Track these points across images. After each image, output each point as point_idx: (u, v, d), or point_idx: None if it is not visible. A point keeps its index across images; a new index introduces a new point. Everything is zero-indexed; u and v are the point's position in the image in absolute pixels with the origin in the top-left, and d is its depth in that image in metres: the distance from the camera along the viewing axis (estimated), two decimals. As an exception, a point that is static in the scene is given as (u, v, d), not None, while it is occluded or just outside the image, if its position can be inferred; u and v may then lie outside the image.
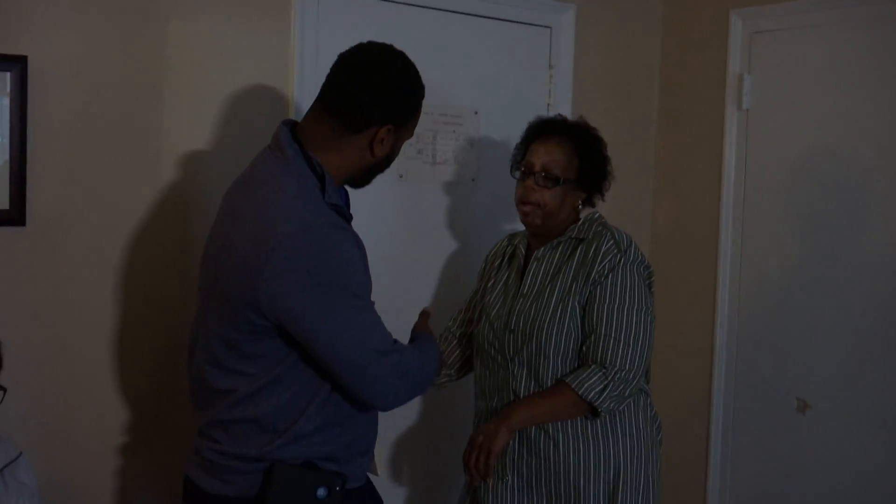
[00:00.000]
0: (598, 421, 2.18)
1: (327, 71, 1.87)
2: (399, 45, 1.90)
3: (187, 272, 2.40)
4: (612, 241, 2.20)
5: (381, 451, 2.47)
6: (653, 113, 3.44)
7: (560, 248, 2.27)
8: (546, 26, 3.12)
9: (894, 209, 2.73)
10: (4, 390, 1.81)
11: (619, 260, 2.17)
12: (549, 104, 3.11)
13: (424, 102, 1.92)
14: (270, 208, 1.73)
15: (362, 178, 1.92)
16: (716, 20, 3.20)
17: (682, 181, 3.35)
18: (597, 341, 2.14)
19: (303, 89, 2.58)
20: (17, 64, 2.17)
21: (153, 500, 2.46)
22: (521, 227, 2.40)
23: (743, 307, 3.16)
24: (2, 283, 2.23)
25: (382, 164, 1.91)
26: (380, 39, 1.90)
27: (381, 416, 1.98)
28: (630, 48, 3.36)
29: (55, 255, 2.29)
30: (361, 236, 1.82)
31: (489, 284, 2.41)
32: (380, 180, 1.97)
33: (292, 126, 1.86)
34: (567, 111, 3.06)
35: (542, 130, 2.31)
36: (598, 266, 2.17)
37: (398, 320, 2.08)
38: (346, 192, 1.94)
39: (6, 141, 2.18)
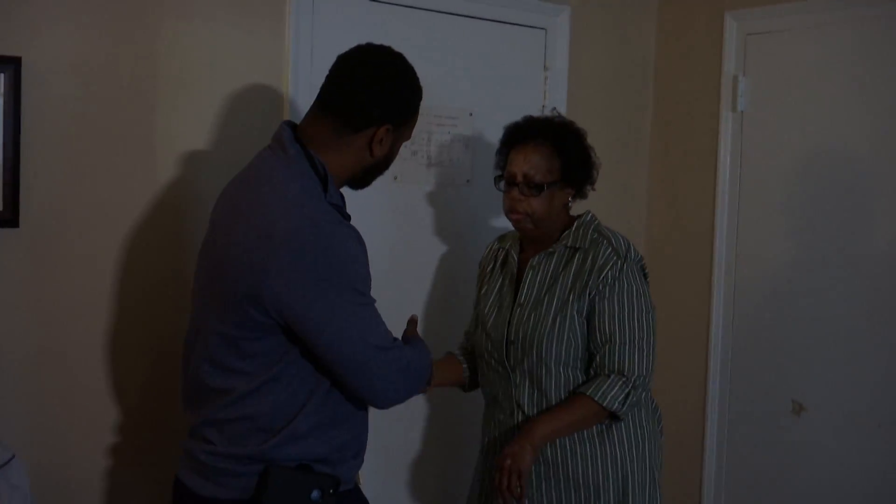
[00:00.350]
0: (604, 424, 2.19)
1: (322, 71, 1.88)
2: (394, 47, 1.91)
3: (181, 273, 2.39)
4: (610, 249, 2.19)
5: (378, 459, 2.47)
6: (647, 114, 3.44)
7: (556, 255, 2.26)
8: (541, 28, 3.12)
9: (889, 211, 2.73)
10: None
11: (622, 266, 2.16)
12: (543, 106, 3.11)
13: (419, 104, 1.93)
14: (274, 205, 1.73)
15: (362, 179, 1.93)
16: (711, 22, 3.20)
17: (677, 183, 3.35)
18: (612, 351, 2.14)
19: (298, 90, 2.58)
20: (10, 65, 2.17)
21: (146, 500, 2.46)
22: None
23: (738, 310, 3.16)
24: (-5, 284, 2.23)
25: (381, 165, 1.92)
26: (374, 40, 1.91)
27: (378, 421, 1.97)
28: (625, 50, 3.36)
29: (49, 256, 2.28)
30: (357, 237, 1.82)
31: (483, 292, 2.39)
32: (375, 182, 1.98)
33: (293, 127, 1.87)
34: (562, 113, 3.05)
35: (518, 137, 2.27)
36: (601, 276, 2.16)
37: (392, 322, 2.06)
38: (342, 195, 1.94)
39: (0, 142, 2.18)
